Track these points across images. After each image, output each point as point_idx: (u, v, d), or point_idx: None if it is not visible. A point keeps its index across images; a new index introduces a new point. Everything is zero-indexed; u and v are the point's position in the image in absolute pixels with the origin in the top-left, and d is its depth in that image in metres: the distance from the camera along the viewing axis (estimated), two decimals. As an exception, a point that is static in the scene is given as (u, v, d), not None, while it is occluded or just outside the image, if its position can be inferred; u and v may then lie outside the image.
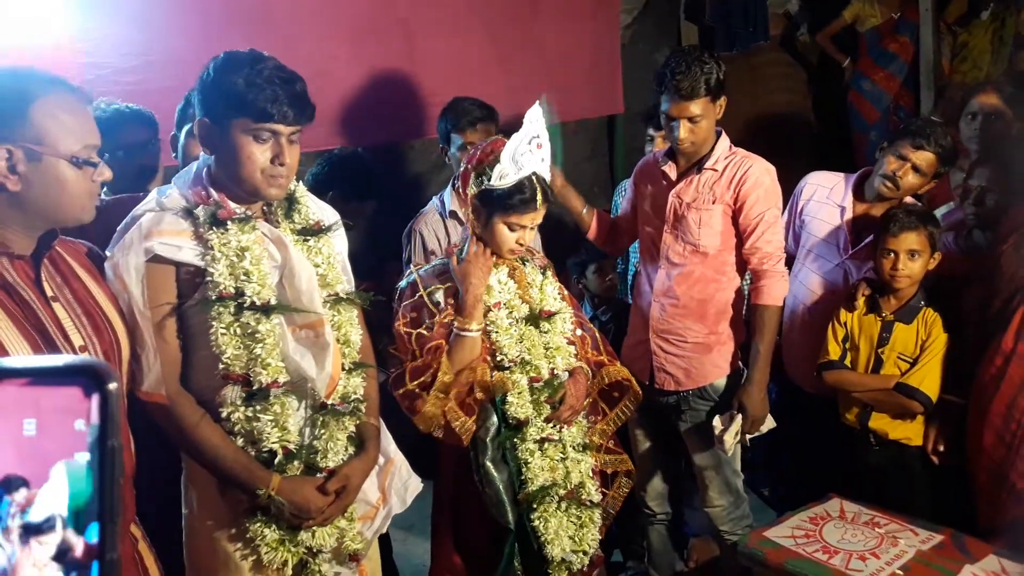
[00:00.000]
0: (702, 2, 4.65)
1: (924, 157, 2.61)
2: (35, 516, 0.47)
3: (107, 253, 1.69)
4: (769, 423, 2.61)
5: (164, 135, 2.54)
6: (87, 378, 0.48)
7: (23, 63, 2.34)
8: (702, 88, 2.43)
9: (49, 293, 1.50)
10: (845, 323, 2.63)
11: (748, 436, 2.59)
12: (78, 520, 0.47)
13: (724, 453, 2.61)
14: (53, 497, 0.47)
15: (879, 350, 2.57)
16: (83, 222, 1.51)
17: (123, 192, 2.19)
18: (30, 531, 0.47)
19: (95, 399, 0.47)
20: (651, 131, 3.39)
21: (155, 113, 2.55)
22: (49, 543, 0.47)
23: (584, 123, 4.45)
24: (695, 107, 2.44)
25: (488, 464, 2.13)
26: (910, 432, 2.59)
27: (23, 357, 0.43)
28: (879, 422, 2.60)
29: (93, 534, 0.48)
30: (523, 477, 2.12)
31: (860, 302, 2.60)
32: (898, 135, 2.69)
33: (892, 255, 2.51)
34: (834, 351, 2.62)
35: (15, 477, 0.47)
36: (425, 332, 2.09)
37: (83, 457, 0.47)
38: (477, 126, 2.76)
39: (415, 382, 2.06)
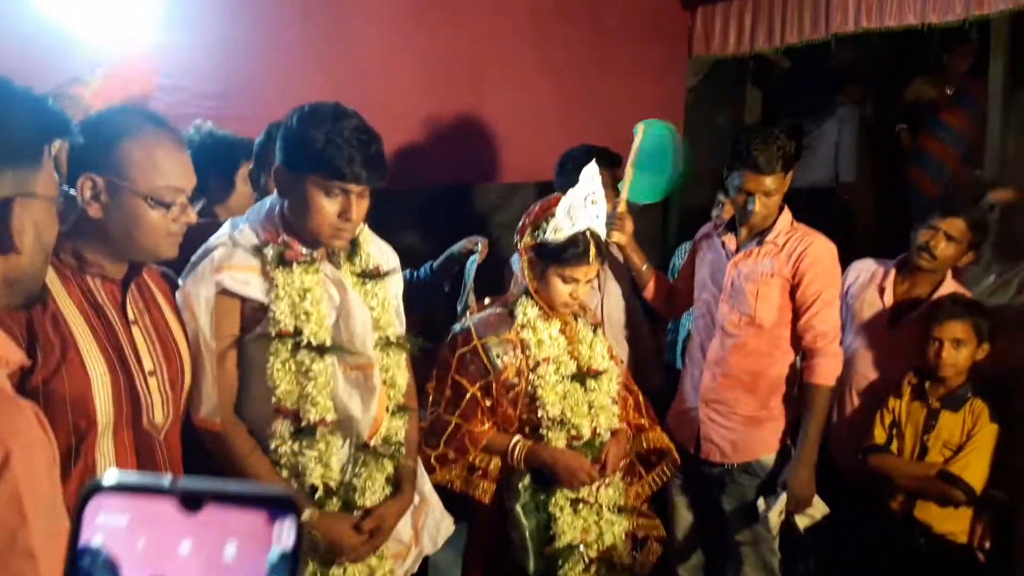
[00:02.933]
0: (768, 69, 4.68)
1: (954, 224, 2.64)
2: None
3: (180, 281, 1.78)
4: (822, 509, 2.56)
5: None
6: (281, 507, 0.50)
7: (101, 78, 2.49)
8: (779, 163, 2.46)
9: (131, 317, 1.58)
10: (893, 409, 2.61)
11: (802, 524, 2.54)
12: None
13: (768, 532, 2.58)
14: None
15: (924, 437, 2.54)
16: (160, 259, 1.59)
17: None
18: None
19: (287, 527, 0.49)
20: (721, 196, 3.42)
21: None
22: None
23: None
24: (770, 182, 2.48)
25: (518, 509, 2.16)
26: (956, 527, 2.53)
27: (229, 483, 0.45)
28: (924, 513, 2.55)
29: None
30: (552, 531, 2.14)
31: (905, 389, 2.58)
32: (928, 209, 2.73)
33: (937, 343, 2.52)
34: (880, 436, 2.60)
35: None
36: (479, 394, 2.15)
37: None
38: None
39: (449, 449, 2.13)
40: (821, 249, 2.53)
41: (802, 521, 2.56)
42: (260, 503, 0.50)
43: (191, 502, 0.50)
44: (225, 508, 0.50)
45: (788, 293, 2.55)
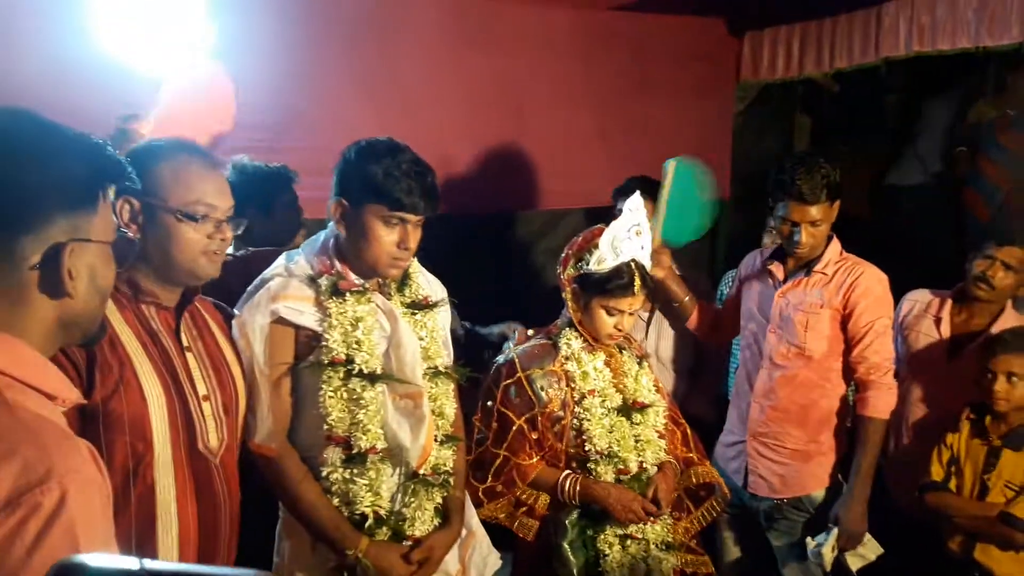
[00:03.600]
0: (818, 95, 4.63)
1: (1011, 253, 2.61)
2: None
3: (236, 311, 1.82)
4: (875, 549, 2.49)
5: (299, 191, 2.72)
6: None
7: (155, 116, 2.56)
8: (823, 193, 2.42)
9: (185, 343, 1.62)
10: (951, 445, 2.54)
11: (854, 565, 2.47)
12: None
13: (820, 569, 2.51)
14: None
15: (985, 476, 2.46)
16: (200, 279, 1.62)
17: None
18: None
19: None
20: (771, 222, 3.39)
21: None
22: None
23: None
24: (816, 211, 2.43)
25: (565, 547, 2.14)
26: (1019, 572, 2.43)
27: (194, 566, 0.43)
28: (985, 555, 2.46)
29: None
30: (600, 569, 2.11)
31: (964, 425, 2.51)
32: (982, 235, 2.69)
33: (991, 376, 2.46)
34: (937, 472, 2.52)
35: None
36: (526, 427, 2.14)
37: None
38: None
39: (497, 483, 2.13)
40: (872, 279, 2.48)
41: (855, 562, 2.48)
42: None
43: None
44: None
45: (839, 324, 2.50)
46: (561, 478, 2.14)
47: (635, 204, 2.14)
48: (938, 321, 2.74)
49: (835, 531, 2.45)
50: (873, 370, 2.46)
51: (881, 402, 2.45)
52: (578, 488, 2.12)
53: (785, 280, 2.59)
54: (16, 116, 1.00)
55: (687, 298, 2.79)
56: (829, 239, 2.55)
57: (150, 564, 0.50)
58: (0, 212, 0.96)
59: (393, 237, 1.80)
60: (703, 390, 3.16)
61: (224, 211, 1.60)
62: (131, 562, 0.50)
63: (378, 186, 1.76)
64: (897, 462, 2.76)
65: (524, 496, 2.15)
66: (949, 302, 2.76)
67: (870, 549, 2.48)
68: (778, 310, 2.57)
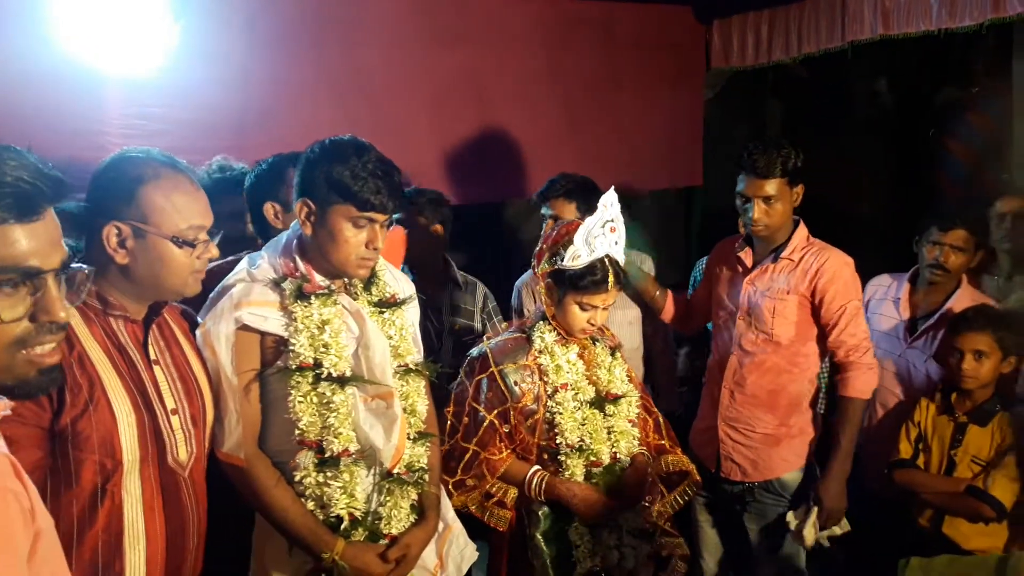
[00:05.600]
0: (788, 79, 4.65)
1: (957, 236, 2.68)
2: None
3: (199, 319, 1.81)
4: (844, 526, 2.55)
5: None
6: None
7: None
8: (778, 168, 2.46)
9: (152, 356, 1.61)
10: (919, 423, 2.58)
11: (825, 535, 2.52)
12: None
13: (803, 546, 2.56)
14: None
15: (952, 452, 2.51)
16: (185, 296, 1.63)
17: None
18: None
19: None
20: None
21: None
22: None
23: (659, 193, 4.48)
24: (770, 187, 2.47)
25: (538, 537, 2.16)
26: (987, 544, 2.47)
27: None
28: (953, 529, 2.51)
29: None
30: (572, 559, 2.13)
31: (931, 403, 2.56)
32: (926, 225, 2.75)
33: (958, 354, 2.51)
34: (905, 450, 2.57)
35: None
36: (497, 422, 2.15)
37: None
38: (560, 198, 2.82)
39: (467, 476, 2.13)
40: (838, 263, 2.51)
41: (822, 537, 2.54)
42: None
43: None
44: None
45: (808, 310, 2.53)
46: (529, 474, 2.15)
47: (609, 199, 2.14)
48: (897, 302, 2.82)
49: (815, 510, 2.49)
50: (851, 351, 2.51)
51: (859, 382, 2.51)
52: (544, 487, 2.14)
53: (753, 267, 2.62)
54: None
55: (657, 292, 2.82)
56: (796, 225, 2.57)
57: None
58: None
59: (361, 237, 1.79)
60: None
61: (208, 227, 1.61)
62: None
63: (346, 187, 1.75)
64: (868, 441, 2.80)
65: (494, 489, 2.17)
66: (907, 285, 2.84)
67: (840, 525, 2.55)
68: (746, 297, 2.60)
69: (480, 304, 2.89)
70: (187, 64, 2.99)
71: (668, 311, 2.86)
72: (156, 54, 2.94)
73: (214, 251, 1.62)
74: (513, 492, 2.18)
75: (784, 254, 2.55)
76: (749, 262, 2.63)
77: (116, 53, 2.86)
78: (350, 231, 1.78)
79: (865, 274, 2.70)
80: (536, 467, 2.17)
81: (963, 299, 2.70)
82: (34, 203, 0.98)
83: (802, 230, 2.58)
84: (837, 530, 2.54)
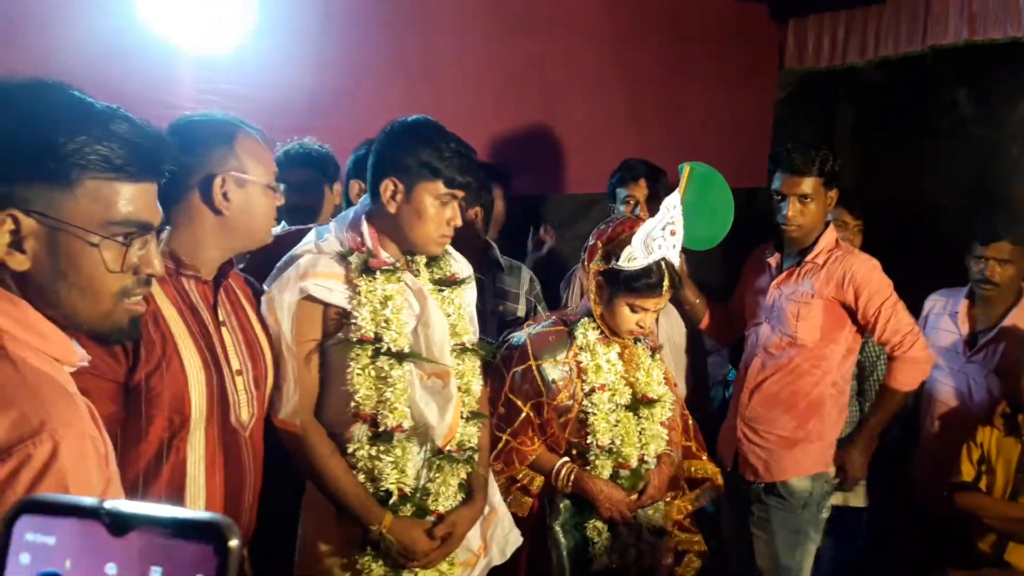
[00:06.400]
0: (861, 83, 4.53)
1: (1000, 249, 2.67)
2: None
3: (265, 287, 1.84)
4: (861, 500, 2.67)
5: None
6: (208, 533, 0.49)
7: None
8: (815, 167, 2.47)
9: (221, 318, 1.65)
10: (981, 443, 2.50)
11: (836, 500, 2.64)
12: None
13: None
14: None
15: (1019, 476, 2.42)
16: (267, 243, 1.71)
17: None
18: None
19: (213, 553, 0.49)
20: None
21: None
22: None
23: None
24: (806, 185, 2.47)
25: (557, 528, 2.17)
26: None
27: (158, 506, 0.44)
28: (1017, 557, 2.42)
29: None
30: (589, 553, 2.13)
31: (997, 423, 2.47)
32: (969, 239, 2.74)
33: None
34: (967, 472, 2.50)
35: None
36: (531, 414, 2.16)
37: None
38: (640, 181, 2.81)
39: (496, 462, 2.15)
40: (866, 267, 2.52)
41: (836, 499, 2.65)
42: (187, 529, 0.50)
43: (117, 526, 0.50)
44: (152, 534, 0.50)
45: (834, 314, 2.53)
46: (558, 465, 2.16)
47: (672, 202, 2.11)
48: (955, 316, 2.79)
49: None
50: (897, 347, 2.52)
51: (902, 375, 2.52)
52: (572, 478, 2.15)
53: (780, 271, 2.62)
54: (51, 84, 1.01)
55: (698, 300, 2.80)
56: (826, 227, 2.55)
57: (109, 503, 0.51)
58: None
59: (445, 214, 1.84)
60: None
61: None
62: (91, 501, 0.52)
63: (434, 166, 1.80)
64: (924, 459, 2.75)
65: (520, 475, 2.18)
66: (965, 299, 2.81)
67: (858, 496, 2.65)
68: (771, 301, 2.60)
69: (526, 287, 2.88)
70: (262, 43, 3.05)
71: (706, 321, 2.85)
72: (233, 32, 3.01)
73: (281, 199, 1.70)
74: (539, 480, 2.19)
75: (809, 257, 2.55)
76: (776, 266, 2.64)
77: (194, 30, 2.94)
78: (435, 208, 1.83)
79: (938, 287, 2.65)
80: (565, 459, 2.18)
81: (1023, 313, 2.64)
82: (149, 163, 1.04)
83: (831, 234, 2.58)
84: (853, 502, 2.58)
